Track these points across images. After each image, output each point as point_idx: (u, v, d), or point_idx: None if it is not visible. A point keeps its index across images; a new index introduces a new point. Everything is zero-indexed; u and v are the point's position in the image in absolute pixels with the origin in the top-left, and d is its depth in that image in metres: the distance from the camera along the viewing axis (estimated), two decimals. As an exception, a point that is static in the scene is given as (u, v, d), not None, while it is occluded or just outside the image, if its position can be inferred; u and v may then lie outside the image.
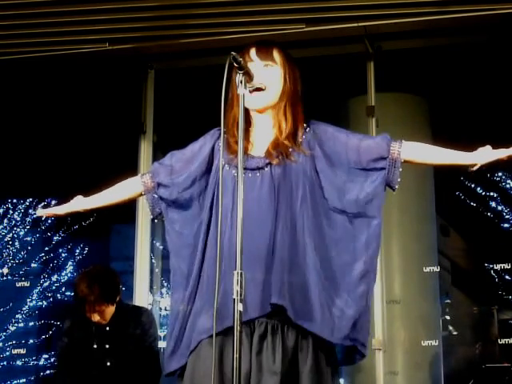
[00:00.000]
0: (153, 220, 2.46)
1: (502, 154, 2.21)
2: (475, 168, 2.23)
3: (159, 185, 2.41)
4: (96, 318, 3.66)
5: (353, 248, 2.24)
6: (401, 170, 2.29)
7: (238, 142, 2.09)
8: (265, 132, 2.33)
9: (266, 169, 2.24)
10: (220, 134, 2.32)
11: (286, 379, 2.10)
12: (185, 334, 2.24)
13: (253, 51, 2.32)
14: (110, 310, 3.69)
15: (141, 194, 2.47)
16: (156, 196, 2.41)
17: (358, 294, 2.21)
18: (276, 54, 2.34)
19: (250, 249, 2.09)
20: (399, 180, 2.30)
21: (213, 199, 2.29)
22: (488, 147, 2.24)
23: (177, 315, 2.29)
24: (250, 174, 2.22)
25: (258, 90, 2.25)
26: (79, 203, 2.48)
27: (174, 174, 2.40)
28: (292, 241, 2.19)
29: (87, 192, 2.54)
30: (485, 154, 2.22)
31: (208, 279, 2.21)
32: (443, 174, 6.00)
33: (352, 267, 2.22)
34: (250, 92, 2.20)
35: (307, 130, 2.34)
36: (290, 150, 2.27)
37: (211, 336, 2.06)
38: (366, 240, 2.25)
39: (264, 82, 2.27)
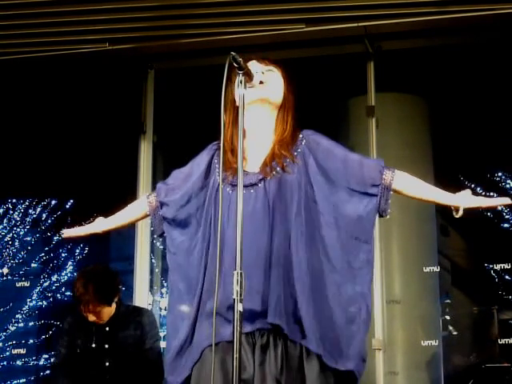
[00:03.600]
0: (159, 236, 2.47)
1: (483, 203, 2.26)
2: (460, 212, 2.25)
3: (162, 204, 2.42)
4: (92, 318, 3.65)
5: (344, 268, 2.22)
6: (389, 201, 2.29)
7: (235, 157, 2.12)
8: (261, 144, 2.31)
9: (259, 184, 2.23)
10: (217, 149, 2.33)
11: None
12: (187, 348, 2.24)
13: (254, 60, 2.33)
14: (107, 310, 3.67)
15: (147, 215, 2.48)
16: (159, 215, 2.43)
17: (346, 319, 2.19)
18: (276, 65, 2.37)
19: (246, 263, 2.06)
20: (389, 210, 2.29)
21: (211, 217, 2.28)
22: (468, 191, 2.28)
23: (176, 332, 2.29)
24: (244, 191, 2.16)
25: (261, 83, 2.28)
26: (100, 224, 2.52)
27: (173, 191, 2.40)
28: (287, 256, 2.17)
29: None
30: (467, 199, 2.25)
31: (209, 292, 2.20)
32: (443, 174, 6.00)
33: (342, 288, 2.21)
34: (257, 84, 2.21)
35: (302, 141, 2.32)
36: (286, 162, 2.25)
37: (215, 344, 2.07)
38: (357, 264, 2.24)
39: (266, 79, 2.29)
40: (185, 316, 2.28)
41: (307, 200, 2.24)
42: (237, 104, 2.22)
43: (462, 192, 2.28)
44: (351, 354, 2.17)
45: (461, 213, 2.25)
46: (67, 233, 2.55)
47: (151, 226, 2.48)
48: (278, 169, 2.24)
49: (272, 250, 2.17)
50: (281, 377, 2.10)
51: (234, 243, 1.97)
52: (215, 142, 2.37)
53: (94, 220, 2.58)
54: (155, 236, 2.50)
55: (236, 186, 2.12)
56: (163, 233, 2.43)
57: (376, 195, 2.27)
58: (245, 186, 2.17)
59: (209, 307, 2.17)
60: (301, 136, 2.34)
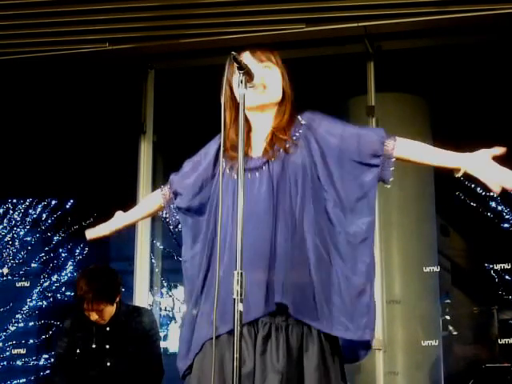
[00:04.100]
0: (175, 227, 2.48)
1: (487, 177, 2.20)
2: (460, 173, 2.24)
3: (175, 194, 2.45)
4: (94, 316, 3.65)
5: (350, 244, 2.24)
6: (393, 168, 2.28)
7: (236, 146, 2.13)
8: (263, 134, 2.33)
9: (264, 167, 2.25)
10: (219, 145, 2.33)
11: (290, 378, 2.11)
12: (193, 337, 2.26)
13: (248, 55, 2.31)
14: (109, 309, 3.68)
15: (162, 206, 2.50)
16: (173, 206, 2.46)
17: (356, 291, 2.22)
18: (272, 56, 2.35)
19: (251, 249, 2.10)
20: (391, 178, 2.29)
21: (217, 204, 2.30)
22: (485, 153, 2.21)
23: (185, 319, 2.32)
24: (249, 175, 2.22)
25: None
26: (120, 219, 2.55)
27: (185, 181, 2.43)
28: (292, 237, 2.19)
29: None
30: (472, 163, 2.22)
31: (213, 282, 2.20)
32: (443, 174, 5.98)
33: (350, 261, 2.22)
34: (253, 88, 2.20)
35: (302, 122, 2.34)
36: (288, 144, 2.27)
37: (217, 337, 2.08)
38: (362, 236, 2.25)
39: (265, 82, 2.28)
40: (192, 305, 2.30)
41: (313, 180, 2.26)
42: (238, 101, 2.22)
43: (480, 152, 2.22)
44: (366, 324, 2.24)
45: (460, 173, 2.24)
46: (90, 235, 2.57)
47: (166, 218, 2.49)
48: (281, 150, 2.26)
49: (276, 234, 2.18)
50: (281, 368, 2.11)
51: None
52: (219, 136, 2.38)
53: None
54: (171, 227, 2.51)
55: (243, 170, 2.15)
56: (178, 224, 2.46)
57: (378, 166, 2.27)
58: (249, 170, 2.22)
59: (211, 297, 2.16)
60: (300, 118, 2.35)
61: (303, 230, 2.21)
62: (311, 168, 2.27)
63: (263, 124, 2.35)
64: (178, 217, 2.45)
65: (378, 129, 2.38)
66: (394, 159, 2.28)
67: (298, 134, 2.30)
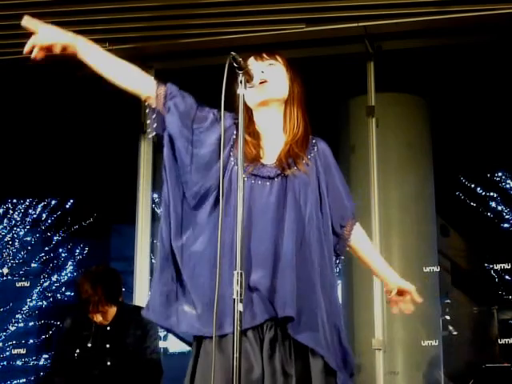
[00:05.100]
0: (156, 134, 2.40)
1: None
2: (392, 294, 2.53)
3: (169, 109, 2.36)
4: (98, 318, 3.66)
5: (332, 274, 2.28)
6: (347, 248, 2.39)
7: (250, 155, 2.18)
8: (275, 137, 2.32)
9: (276, 179, 2.22)
10: (234, 126, 2.28)
11: (300, 380, 2.10)
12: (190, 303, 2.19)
13: (251, 58, 2.31)
14: (113, 310, 3.69)
15: (145, 101, 2.40)
16: (162, 118, 2.36)
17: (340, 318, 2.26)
18: (278, 57, 2.35)
19: (256, 255, 2.10)
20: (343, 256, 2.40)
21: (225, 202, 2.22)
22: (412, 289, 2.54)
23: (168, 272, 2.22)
24: (259, 182, 2.20)
25: (263, 82, 2.24)
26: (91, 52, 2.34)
27: (190, 127, 2.35)
28: (299, 255, 2.17)
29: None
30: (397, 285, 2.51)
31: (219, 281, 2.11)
32: (443, 174, 6.00)
33: (334, 293, 2.28)
34: (255, 86, 2.18)
35: (315, 146, 2.34)
36: (302, 162, 2.26)
37: (222, 336, 2.08)
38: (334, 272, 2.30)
39: (268, 77, 2.26)
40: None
41: (317, 207, 2.27)
42: (248, 105, 2.26)
43: (407, 286, 2.56)
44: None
45: (392, 294, 2.52)
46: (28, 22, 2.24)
47: (150, 124, 2.37)
48: (295, 167, 2.25)
49: (282, 245, 2.16)
50: (290, 368, 2.10)
51: (245, 237, 2.00)
52: (232, 115, 2.30)
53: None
54: (149, 135, 2.42)
55: (256, 176, 2.19)
56: (159, 133, 2.34)
57: (339, 235, 2.36)
58: (261, 177, 2.21)
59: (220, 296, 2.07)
60: (314, 141, 2.35)
61: (311, 252, 2.20)
62: (317, 196, 2.28)
63: (272, 125, 2.32)
64: (164, 134, 2.32)
65: (352, 207, 2.41)
66: (348, 242, 2.38)
67: (312, 155, 2.31)
